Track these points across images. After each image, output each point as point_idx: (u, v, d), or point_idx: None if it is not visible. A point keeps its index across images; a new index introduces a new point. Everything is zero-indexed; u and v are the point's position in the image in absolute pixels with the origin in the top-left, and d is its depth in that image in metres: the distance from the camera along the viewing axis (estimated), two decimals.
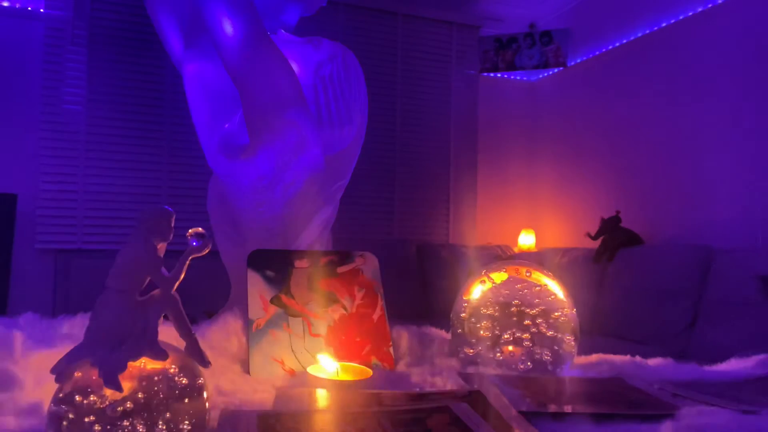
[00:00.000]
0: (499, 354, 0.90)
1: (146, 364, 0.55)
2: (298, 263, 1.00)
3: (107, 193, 3.11)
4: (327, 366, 0.83)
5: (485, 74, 4.05)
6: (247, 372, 0.85)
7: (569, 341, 0.91)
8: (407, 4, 3.78)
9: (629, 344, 2.49)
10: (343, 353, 0.88)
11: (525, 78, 4.20)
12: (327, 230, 1.35)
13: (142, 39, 3.18)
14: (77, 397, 0.52)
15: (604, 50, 3.55)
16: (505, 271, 0.96)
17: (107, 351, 0.54)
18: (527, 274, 0.95)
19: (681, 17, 3.03)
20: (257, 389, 0.76)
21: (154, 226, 0.58)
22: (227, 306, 1.23)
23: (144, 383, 0.53)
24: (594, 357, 1.00)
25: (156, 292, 0.59)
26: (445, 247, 3.56)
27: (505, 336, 0.90)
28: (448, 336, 1.02)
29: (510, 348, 0.90)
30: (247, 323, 0.91)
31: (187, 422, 0.54)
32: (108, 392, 0.52)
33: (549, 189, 3.96)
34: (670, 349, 2.35)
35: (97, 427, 0.51)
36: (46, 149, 3.02)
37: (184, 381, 0.55)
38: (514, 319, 0.91)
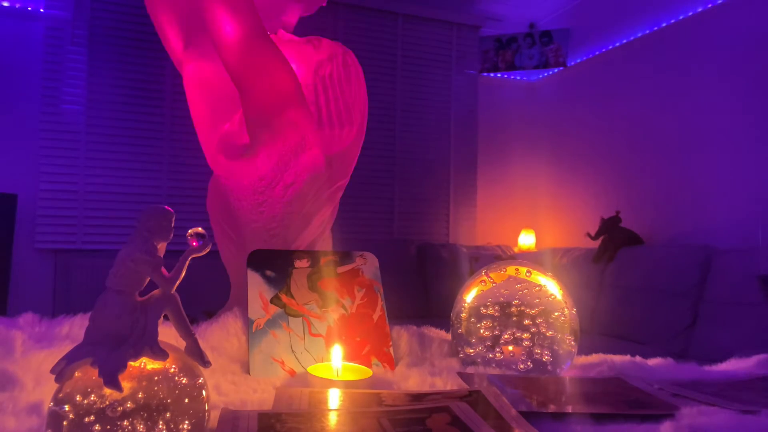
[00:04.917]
0: (499, 354, 0.90)
1: (146, 364, 0.55)
2: (298, 263, 1.00)
3: (107, 193, 3.12)
4: (336, 360, 0.83)
5: (485, 74, 4.05)
6: (247, 372, 0.85)
7: (569, 341, 0.91)
8: (407, 4, 3.79)
9: (629, 344, 2.49)
10: (343, 353, 0.88)
11: (525, 78, 4.20)
12: (327, 230, 1.35)
13: (142, 39, 3.19)
14: (77, 397, 0.52)
15: (604, 50, 3.55)
16: (505, 271, 0.96)
17: (107, 351, 0.54)
18: (527, 274, 0.95)
19: (681, 17, 3.03)
20: (257, 389, 0.76)
21: (154, 226, 0.58)
22: (227, 306, 1.23)
23: (144, 383, 0.53)
24: (594, 357, 1.00)
25: (156, 292, 0.59)
26: (445, 247, 3.56)
27: (505, 336, 0.90)
28: (448, 336, 1.02)
29: (510, 348, 0.90)
30: (247, 323, 0.91)
31: (187, 422, 0.54)
32: (108, 392, 0.52)
33: (549, 189, 3.96)
34: (670, 349, 2.36)
35: (97, 427, 0.51)
36: (46, 149, 3.02)
37: (184, 381, 0.55)
38: (514, 319, 0.91)
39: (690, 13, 2.98)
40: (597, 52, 3.61)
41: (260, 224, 1.23)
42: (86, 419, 0.51)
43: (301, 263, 1.00)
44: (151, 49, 3.17)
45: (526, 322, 0.90)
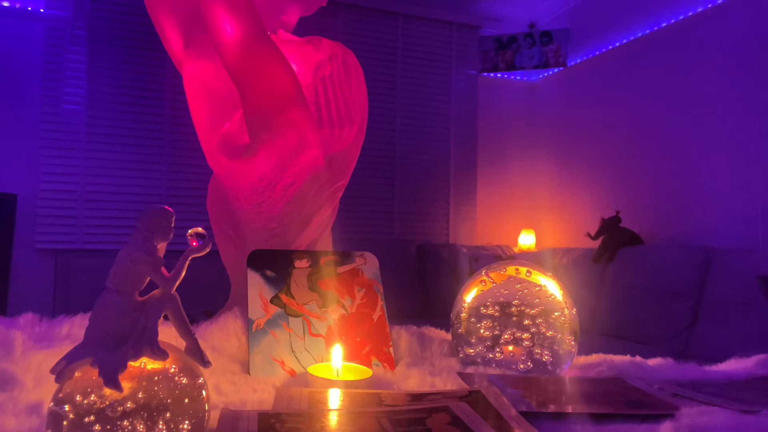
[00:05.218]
0: (499, 354, 0.90)
1: (146, 364, 0.55)
2: (298, 263, 1.00)
3: (107, 193, 3.12)
4: (336, 360, 0.83)
5: (485, 74, 4.05)
6: (247, 372, 0.85)
7: (569, 341, 0.91)
8: (407, 4, 3.79)
9: (629, 344, 2.49)
10: (343, 353, 0.88)
11: (525, 78, 4.20)
12: (327, 230, 1.35)
13: (142, 39, 3.19)
14: (77, 397, 0.52)
15: (604, 50, 3.55)
16: (505, 271, 0.96)
17: (107, 351, 0.54)
18: (527, 274, 0.95)
19: (681, 17, 3.03)
20: (257, 389, 0.76)
21: (154, 226, 0.58)
22: (227, 306, 1.23)
23: (144, 383, 0.53)
24: (594, 357, 1.00)
25: (156, 292, 0.59)
26: (445, 247, 3.57)
27: (505, 336, 0.90)
28: (448, 336, 1.02)
29: (510, 348, 0.90)
30: (247, 323, 0.91)
31: (187, 422, 0.54)
32: (108, 392, 0.52)
33: (549, 189, 3.96)
34: (670, 349, 2.36)
35: (97, 427, 0.51)
36: (46, 149, 3.02)
37: (184, 381, 0.55)
38: (514, 319, 0.91)
39: (690, 13, 2.98)
40: (597, 52, 3.61)
41: (260, 224, 1.23)
42: (86, 419, 0.51)
43: (301, 263, 1.00)
44: (151, 49, 3.17)
45: (526, 322, 0.90)
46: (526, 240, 3.90)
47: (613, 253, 2.94)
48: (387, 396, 0.71)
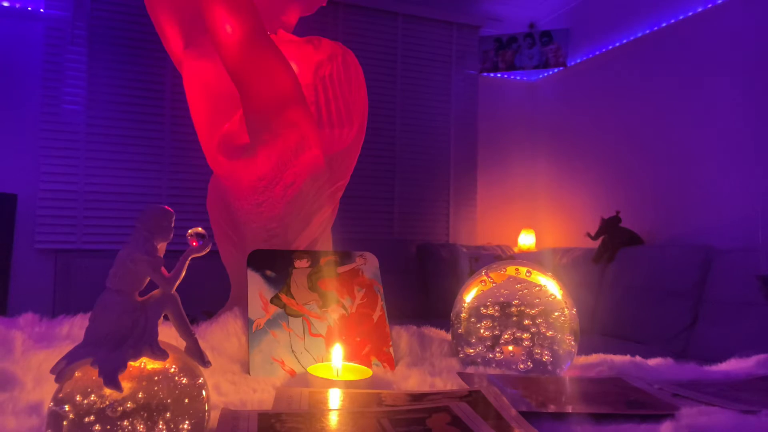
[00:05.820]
0: (499, 354, 0.90)
1: (146, 364, 0.55)
2: (298, 263, 1.00)
3: (107, 193, 3.12)
4: (336, 360, 0.83)
5: (485, 74, 4.05)
6: (247, 372, 0.85)
7: (569, 341, 0.91)
8: (407, 4, 3.79)
9: (629, 344, 2.49)
10: (343, 353, 0.88)
11: (525, 78, 4.20)
12: (327, 230, 1.35)
13: (142, 39, 3.19)
14: (77, 397, 0.52)
15: (604, 50, 3.55)
16: (505, 271, 0.96)
17: (107, 351, 0.54)
18: (527, 274, 0.95)
19: (681, 17, 3.03)
20: (257, 389, 0.76)
21: (154, 226, 0.58)
22: (227, 306, 1.23)
23: (144, 383, 0.53)
24: (594, 357, 1.00)
25: (156, 292, 0.59)
26: (445, 247, 3.57)
27: (505, 336, 0.90)
28: (448, 336, 1.02)
29: (510, 348, 0.90)
30: (247, 323, 0.91)
31: (187, 422, 0.54)
32: (108, 392, 0.52)
33: (549, 189, 3.96)
34: (670, 349, 2.36)
35: (97, 427, 0.51)
36: (46, 149, 3.02)
37: (184, 381, 0.55)
38: (514, 319, 0.91)
39: (690, 13, 2.98)
40: (597, 52, 3.61)
41: (260, 224, 1.23)
42: (86, 419, 0.51)
43: (301, 263, 1.00)
44: (151, 49, 3.17)
45: (526, 322, 0.90)
46: (526, 240, 3.91)
47: (613, 253, 2.94)
48: (387, 396, 0.71)
